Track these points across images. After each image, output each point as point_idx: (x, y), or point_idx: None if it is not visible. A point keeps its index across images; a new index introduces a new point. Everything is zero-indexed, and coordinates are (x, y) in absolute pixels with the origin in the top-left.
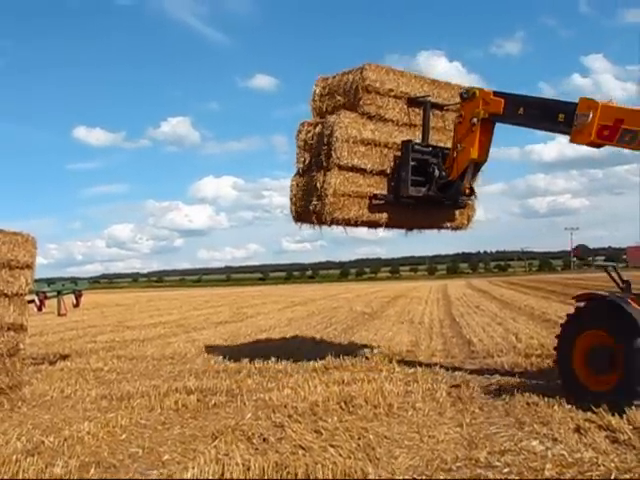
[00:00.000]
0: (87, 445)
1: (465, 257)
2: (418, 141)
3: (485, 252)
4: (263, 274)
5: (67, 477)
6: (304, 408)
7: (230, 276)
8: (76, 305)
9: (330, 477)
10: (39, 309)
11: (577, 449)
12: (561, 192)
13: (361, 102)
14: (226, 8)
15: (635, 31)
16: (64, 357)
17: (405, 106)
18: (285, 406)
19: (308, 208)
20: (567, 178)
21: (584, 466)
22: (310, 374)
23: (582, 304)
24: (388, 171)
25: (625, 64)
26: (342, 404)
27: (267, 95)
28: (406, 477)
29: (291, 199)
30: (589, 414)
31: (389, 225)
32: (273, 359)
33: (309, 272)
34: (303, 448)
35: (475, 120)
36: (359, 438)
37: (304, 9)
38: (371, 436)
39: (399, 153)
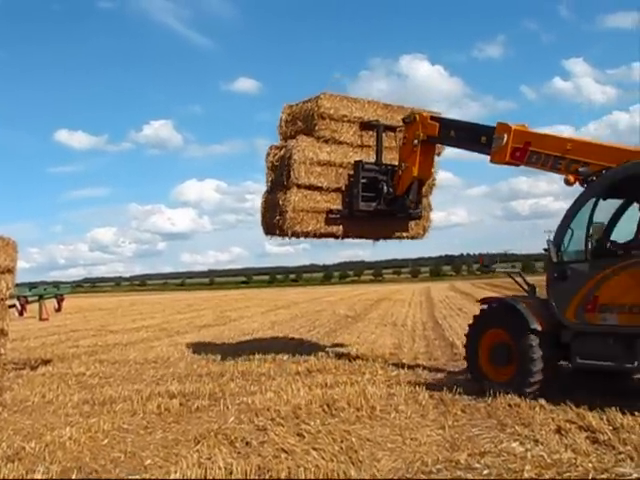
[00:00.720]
0: (69, 450)
1: (448, 259)
2: (370, 160)
3: (468, 254)
4: (246, 277)
5: None
6: (287, 411)
7: (213, 280)
8: (58, 309)
9: None
10: (20, 314)
11: (557, 450)
12: (543, 195)
13: (317, 127)
14: (208, 11)
15: (614, 35)
16: (46, 362)
17: (359, 129)
18: (268, 409)
19: (273, 222)
20: (549, 181)
21: (563, 467)
22: (293, 377)
23: (485, 306)
24: (343, 188)
25: (605, 68)
26: (325, 407)
27: (250, 98)
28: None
29: (262, 214)
30: (570, 415)
31: (345, 236)
32: (256, 362)
33: (292, 275)
34: (285, 451)
35: (416, 142)
36: (342, 441)
37: (287, 13)
38: (354, 439)
39: (353, 172)
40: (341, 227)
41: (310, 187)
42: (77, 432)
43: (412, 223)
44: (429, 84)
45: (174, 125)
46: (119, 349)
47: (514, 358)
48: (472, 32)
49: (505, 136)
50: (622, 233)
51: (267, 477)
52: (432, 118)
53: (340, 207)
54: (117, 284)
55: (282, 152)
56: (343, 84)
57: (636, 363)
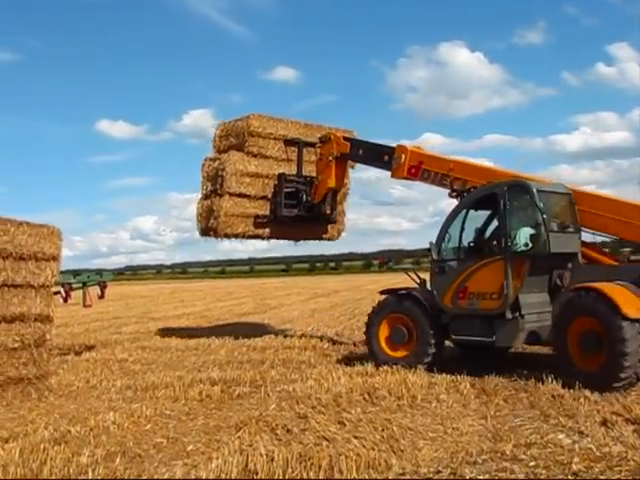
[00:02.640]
0: (113, 435)
1: None
2: (292, 173)
3: None
4: (286, 265)
5: (93, 466)
6: (327, 399)
7: (253, 267)
8: (101, 296)
9: (354, 468)
10: (65, 300)
11: (605, 443)
12: (586, 183)
13: (247, 144)
14: (246, 1)
15: None
16: (89, 348)
17: (283, 145)
18: (309, 397)
19: (208, 225)
20: (592, 168)
21: (613, 460)
22: (334, 365)
23: (385, 296)
24: (269, 196)
25: None
26: (366, 395)
27: (288, 87)
28: (430, 469)
29: (197, 217)
30: (616, 407)
31: (270, 237)
32: (296, 350)
33: (332, 264)
34: (327, 439)
35: (330, 158)
36: (383, 429)
37: (324, 1)
38: (395, 427)
39: (277, 182)
40: (267, 230)
41: (240, 195)
42: (120, 417)
43: (328, 227)
44: (468, 71)
45: (213, 114)
46: (161, 336)
47: (412, 337)
48: (512, 18)
49: (403, 156)
50: (484, 237)
51: (308, 464)
52: (345, 138)
53: (266, 213)
54: (158, 272)
55: (216, 164)
56: (381, 72)
57: (494, 337)
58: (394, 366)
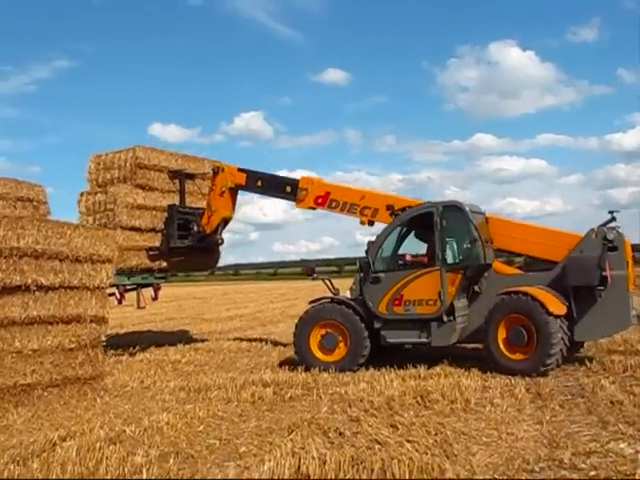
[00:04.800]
0: (166, 435)
1: None
2: (176, 203)
3: None
4: (338, 267)
5: (147, 466)
6: (380, 402)
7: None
8: (155, 298)
9: (406, 473)
10: (119, 302)
11: None
12: None
13: (135, 176)
14: (296, 4)
15: None
16: (143, 349)
17: (167, 177)
18: (361, 400)
19: None
20: None
21: None
22: (386, 368)
23: (314, 304)
24: (157, 228)
25: None
26: (418, 399)
27: (338, 89)
28: (486, 477)
29: None
30: None
31: (164, 270)
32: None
33: None
34: (379, 443)
35: (224, 189)
36: (436, 434)
37: (374, 2)
38: (448, 432)
39: (166, 214)
40: (160, 262)
41: (132, 228)
42: (174, 418)
43: (216, 255)
44: (520, 71)
45: (264, 116)
46: (213, 337)
47: (345, 342)
48: (564, 15)
49: (308, 187)
50: (415, 250)
51: (360, 468)
52: (239, 169)
53: (157, 245)
54: (211, 273)
55: (100, 197)
56: (432, 73)
57: (430, 338)
58: (446, 368)
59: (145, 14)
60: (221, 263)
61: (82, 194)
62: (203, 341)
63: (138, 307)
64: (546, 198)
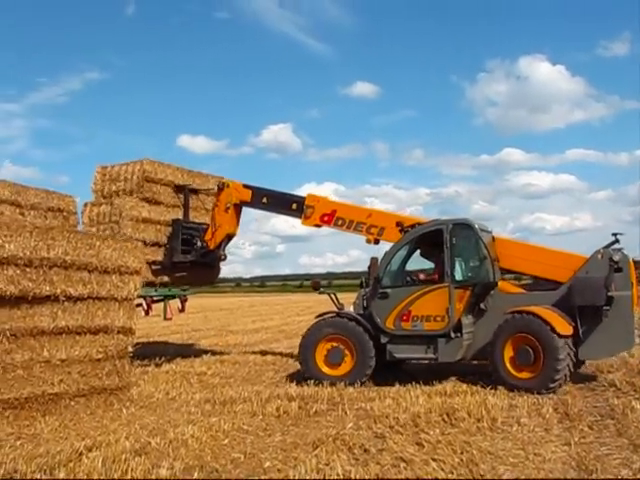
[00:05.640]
0: (191, 448)
1: None
2: (180, 218)
3: None
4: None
5: (172, 479)
6: (405, 419)
7: (331, 282)
8: (182, 310)
9: None
10: (146, 313)
11: None
12: None
13: (142, 189)
14: (325, 18)
15: None
16: (169, 360)
17: (172, 191)
18: (386, 417)
19: None
20: None
21: None
22: (412, 384)
23: (320, 319)
24: (161, 242)
25: None
26: (444, 416)
27: (367, 102)
28: None
29: None
30: None
31: (165, 284)
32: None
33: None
34: (404, 461)
35: (228, 205)
36: (462, 452)
37: (403, 16)
38: (474, 451)
39: (170, 228)
40: (163, 276)
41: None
42: (199, 430)
43: (217, 270)
44: (550, 85)
45: (293, 129)
46: (239, 349)
47: (351, 356)
48: (595, 30)
49: (315, 204)
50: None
51: None
52: (245, 186)
53: (160, 259)
54: (237, 284)
55: (105, 208)
56: (461, 87)
57: (437, 354)
58: (472, 386)
59: (174, 27)
60: (247, 275)
61: (86, 204)
62: (229, 353)
63: (165, 318)
64: (576, 214)
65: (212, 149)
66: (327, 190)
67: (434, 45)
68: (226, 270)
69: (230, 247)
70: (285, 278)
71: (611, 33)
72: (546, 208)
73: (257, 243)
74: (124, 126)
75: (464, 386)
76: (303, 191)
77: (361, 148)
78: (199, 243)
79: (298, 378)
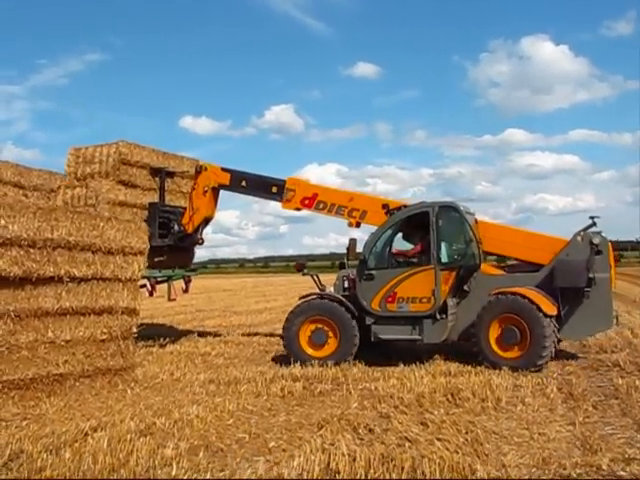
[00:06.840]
0: (196, 428)
1: None
2: (156, 201)
3: None
4: None
5: (177, 459)
6: (410, 399)
7: (335, 262)
8: (185, 290)
9: (437, 471)
10: (150, 294)
11: None
12: None
13: (118, 172)
14: None
15: None
16: (173, 341)
17: (148, 174)
18: (391, 396)
19: None
20: None
21: None
22: (416, 364)
23: (303, 300)
24: None
25: None
26: (449, 396)
27: (369, 83)
28: (520, 478)
29: None
30: None
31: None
32: (379, 348)
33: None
34: (409, 440)
35: (206, 188)
36: (466, 432)
37: None
38: (479, 431)
39: (146, 212)
40: None
41: None
42: (204, 411)
43: (192, 253)
44: (553, 65)
45: (295, 109)
46: (243, 330)
47: (334, 337)
48: (599, 9)
49: (296, 188)
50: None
51: (391, 466)
52: (223, 169)
53: None
54: (241, 265)
55: (80, 191)
56: (463, 67)
57: (422, 335)
58: (477, 365)
59: (175, 8)
60: (251, 256)
61: (59, 187)
62: (233, 334)
63: (169, 299)
64: (578, 194)
65: (215, 130)
66: (330, 170)
67: (436, 25)
68: (230, 251)
69: (233, 228)
70: (289, 259)
71: (615, 12)
72: (549, 189)
73: (260, 224)
74: (126, 108)
75: (468, 366)
76: (306, 172)
77: (363, 129)
78: (176, 227)
79: None
